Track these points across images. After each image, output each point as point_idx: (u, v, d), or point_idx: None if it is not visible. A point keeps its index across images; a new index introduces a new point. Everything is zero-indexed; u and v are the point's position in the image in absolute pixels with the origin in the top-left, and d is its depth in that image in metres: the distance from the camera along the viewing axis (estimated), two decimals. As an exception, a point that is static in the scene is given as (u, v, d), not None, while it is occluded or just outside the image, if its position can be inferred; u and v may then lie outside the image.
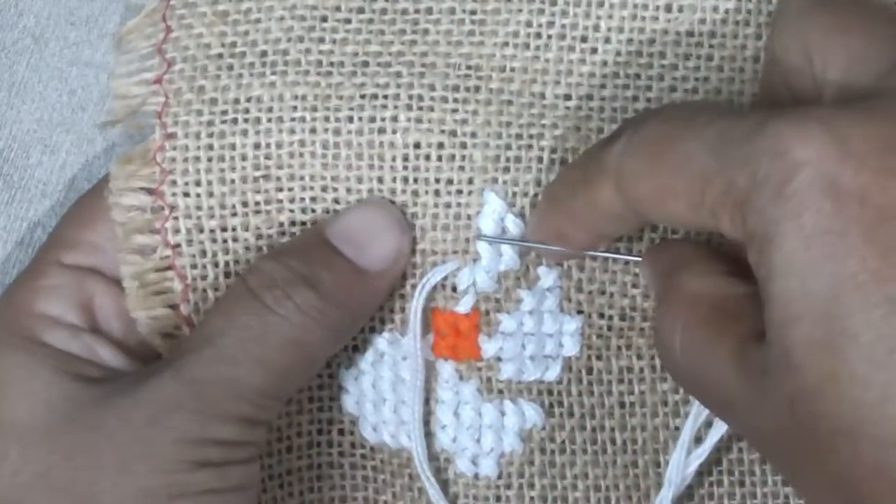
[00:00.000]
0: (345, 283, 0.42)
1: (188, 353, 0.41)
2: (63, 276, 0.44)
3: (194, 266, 0.44)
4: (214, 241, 0.44)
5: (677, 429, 0.44)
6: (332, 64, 0.44)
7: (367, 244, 0.43)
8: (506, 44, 0.44)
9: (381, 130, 0.44)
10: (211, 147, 0.44)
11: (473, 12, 0.44)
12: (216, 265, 0.44)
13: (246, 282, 0.41)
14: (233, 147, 0.44)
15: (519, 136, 0.43)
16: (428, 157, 0.44)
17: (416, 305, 0.43)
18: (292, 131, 0.44)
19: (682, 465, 0.43)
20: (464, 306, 0.44)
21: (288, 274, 0.41)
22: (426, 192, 0.44)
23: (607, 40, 0.43)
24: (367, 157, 0.44)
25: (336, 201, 0.44)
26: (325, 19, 0.44)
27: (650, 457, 0.45)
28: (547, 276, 0.44)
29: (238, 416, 0.40)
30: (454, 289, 0.44)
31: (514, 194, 0.43)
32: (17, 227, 0.50)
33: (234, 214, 0.44)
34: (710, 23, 0.43)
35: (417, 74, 0.44)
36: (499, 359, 0.44)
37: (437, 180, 0.44)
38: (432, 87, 0.44)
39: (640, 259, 0.43)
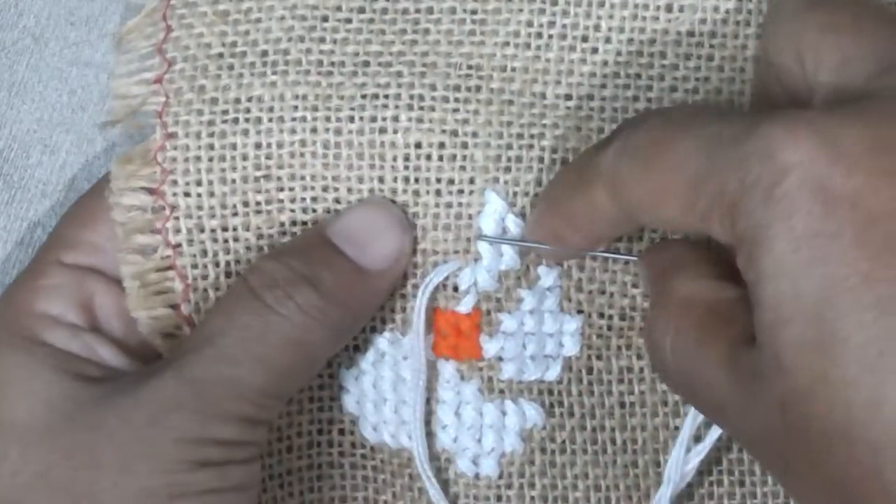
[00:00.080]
0: (346, 282, 0.42)
1: (189, 353, 0.41)
2: (63, 275, 0.44)
3: (195, 266, 0.44)
4: (215, 240, 0.44)
5: (677, 428, 0.44)
6: (332, 64, 0.44)
7: (369, 243, 0.43)
8: (507, 43, 0.44)
9: (383, 130, 0.44)
10: (212, 147, 0.44)
11: (474, 12, 0.44)
12: (217, 265, 0.44)
13: (247, 281, 0.41)
14: (234, 147, 0.44)
15: (520, 136, 0.44)
16: (429, 157, 0.44)
17: (419, 305, 0.43)
18: (293, 131, 0.44)
19: (681, 462, 0.43)
20: (465, 306, 0.44)
21: (289, 273, 0.41)
22: (427, 192, 0.44)
23: (608, 40, 0.44)
24: (368, 156, 0.44)
25: (337, 201, 0.44)
26: (325, 19, 0.44)
27: (650, 456, 0.45)
28: (547, 276, 0.44)
29: (239, 415, 0.40)
30: (455, 288, 0.44)
31: (515, 194, 0.43)
32: (17, 227, 0.50)
33: (235, 214, 0.44)
34: (711, 23, 0.43)
35: (418, 74, 0.44)
36: (500, 358, 0.44)
37: (439, 180, 0.44)
38: (433, 87, 0.44)
39: (638, 259, 0.43)
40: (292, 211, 0.44)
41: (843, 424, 0.33)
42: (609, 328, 0.44)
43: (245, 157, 0.44)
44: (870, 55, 0.36)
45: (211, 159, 0.44)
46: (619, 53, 0.43)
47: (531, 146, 0.43)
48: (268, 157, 0.44)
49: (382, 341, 0.45)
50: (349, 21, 0.44)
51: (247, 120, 0.44)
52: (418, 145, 0.44)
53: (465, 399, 0.44)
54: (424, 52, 0.44)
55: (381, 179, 0.44)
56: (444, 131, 0.44)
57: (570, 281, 0.44)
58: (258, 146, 0.44)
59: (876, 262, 0.32)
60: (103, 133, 0.49)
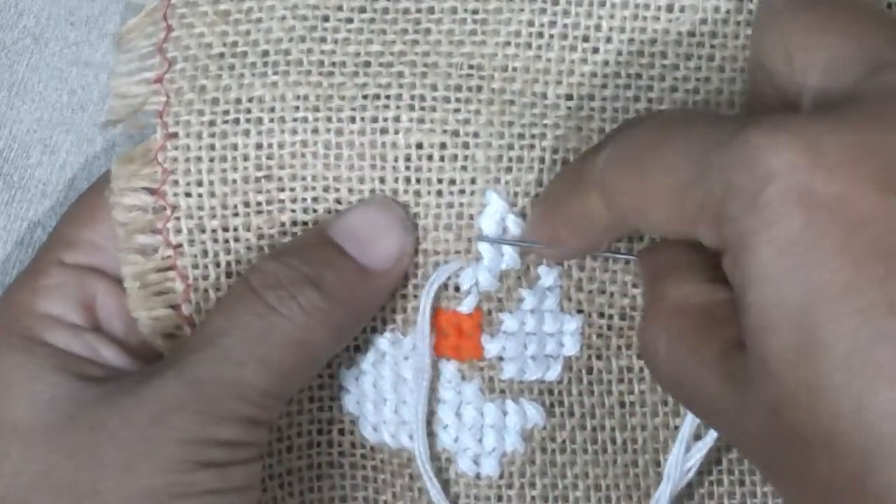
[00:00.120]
0: (348, 282, 0.42)
1: (191, 353, 0.40)
2: (64, 275, 0.44)
3: (196, 266, 0.44)
4: (216, 241, 0.44)
5: (677, 428, 0.44)
6: (334, 64, 0.44)
7: (371, 243, 0.43)
8: (508, 43, 0.44)
9: (384, 131, 0.44)
10: (213, 147, 0.44)
11: (475, 11, 0.44)
12: (218, 265, 0.44)
13: (248, 281, 0.41)
14: (234, 147, 0.44)
15: (521, 136, 0.44)
16: (430, 158, 0.44)
17: (424, 305, 0.43)
18: (294, 132, 0.44)
19: (681, 460, 0.43)
20: (467, 306, 0.44)
21: (291, 273, 0.41)
22: (428, 193, 0.44)
23: (609, 40, 0.44)
24: (370, 157, 0.44)
25: (338, 201, 0.44)
26: (326, 19, 0.44)
27: (650, 456, 0.45)
28: (547, 276, 0.44)
29: (241, 416, 0.40)
30: (457, 289, 0.44)
31: (516, 194, 0.44)
32: (17, 227, 0.49)
33: (236, 214, 0.44)
34: (712, 23, 0.43)
35: (419, 74, 0.44)
36: (501, 358, 0.44)
37: (440, 180, 0.44)
38: (434, 87, 0.44)
39: (636, 259, 0.43)
40: (293, 211, 0.44)
41: (828, 432, 0.33)
42: (609, 328, 0.44)
43: (246, 158, 0.44)
44: (858, 56, 0.36)
45: (212, 159, 0.44)
46: (619, 53, 0.43)
47: (532, 146, 0.44)
48: (269, 157, 0.44)
49: (383, 341, 0.45)
50: (350, 21, 0.44)
51: (248, 120, 0.44)
52: (419, 146, 0.44)
53: (466, 399, 0.44)
54: (426, 51, 0.44)
55: (382, 180, 0.44)
56: (445, 131, 0.44)
57: (571, 280, 0.44)
58: (259, 146, 0.44)
59: (858, 269, 0.32)
60: (103, 133, 0.49)
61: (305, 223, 0.44)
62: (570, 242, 0.42)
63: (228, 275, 0.44)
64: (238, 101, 0.44)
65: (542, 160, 0.44)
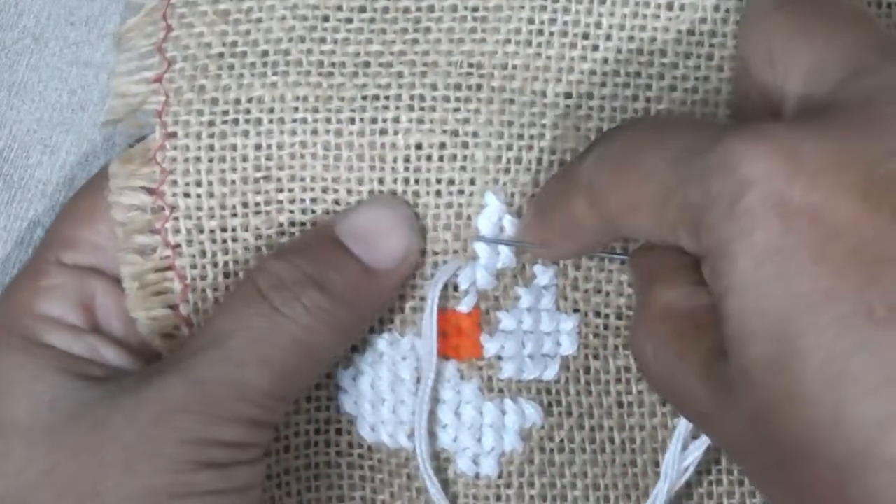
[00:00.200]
0: (353, 283, 0.42)
1: (195, 354, 0.40)
2: (63, 275, 0.44)
3: (194, 266, 0.44)
4: (214, 241, 0.44)
5: (675, 428, 0.44)
6: (333, 64, 0.44)
7: (377, 242, 0.42)
8: (508, 41, 0.44)
9: (383, 132, 0.44)
10: (212, 147, 0.44)
11: (475, 9, 0.44)
12: (215, 265, 0.44)
13: (255, 282, 0.41)
14: (234, 147, 0.44)
15: (520, 137, 0.44)
16: (429, 158, 0.44)
17: (431, 305, 0.43)
18: (294, 132, 0.44)
19: (677, 458, 0.43)
20: (466, 305, 0.44)
21: (297, 275, 0.41)
22: (427, 193, 0.44)
23: (608, 37, 0.44)
24: (369, 158, 0.44)
25: (337, 202, 0.44)
26: (326, 19, 0.44)
27: (648, 456, 0.45)
28: (543, 275, 0.44)
29: (244, 417, 0.40)
30: (455, 288, 0.44)
31: (513, 194, 0.44)
32: (17, 227, 0.49)
33: (235, 215, 0.44)
34: (711, 22, 0.43)
35: (419, 74, 0.44)
36: (499, 357, 0.44)
37: (439, 180, 0.44)
38: (434, 87, 0.44)
39: (628, 261, 0.43)
40: (291, 212, 0.44)
41: (807, 441, 0.33)
42: (605, 327, 0.44)
43: (245, 158, 0.44)
44: (840, 60, 0.36)
45: (211, 160, 0.44)
46: (619, 51, 0.44)
47: (531, 147, 0.44)
48: (268, 158, 0.44)
49: (381, 342, 0.45)
50: (350, 21, 0.44)
51: (247, 121, 0.44)
52: (419, 146, 0.44)
53: (465, 398, 0.44)
54: (426, 50, 0.44)
55: (381, 181, 0.44)
56: (444, 131, 0.44)
57: (566, 280, 0.44)
58: (258, 147, 0.44)
59: (837, 277, 0.32)
60: (103, 133, 0.49)
61: (304, 224, 0.44)
62: (560, 247, 0.42)
63: (226, 275, 0.44)
64: (237, 101, 0.44)
65: (539, 161, 0.44)
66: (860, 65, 0.35)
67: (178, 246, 0.44)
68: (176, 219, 0.44)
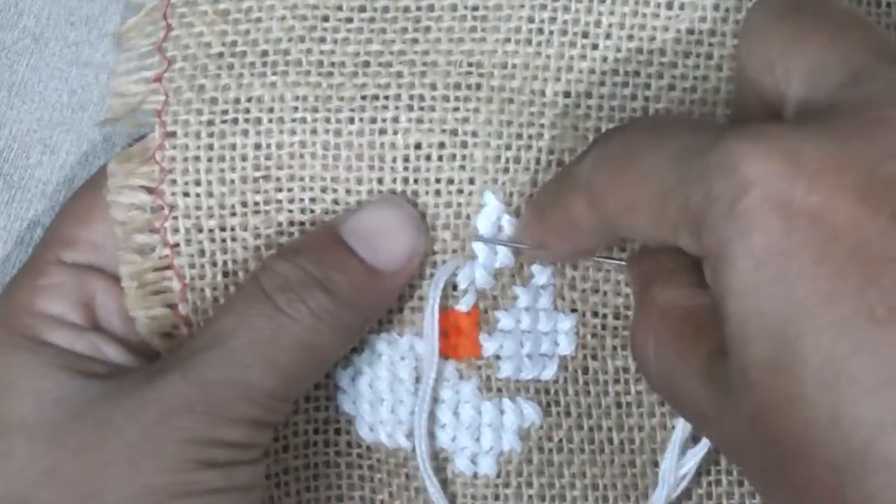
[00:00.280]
0: (358, 284, 0.42)
1: (198, 353, 0.40)
2: (63, 274, 0.44)
3: (192, 266, 0.44)
4: (213, 240, 0.44)
5: (674, 428, 0.44)
6: (333, 64, 0.44)
7: (381, 243, 0.42)
8: (508, 40, 0.44)
9: (382, 131, 0.44)
10: (211, 147, 0.44)
11: (475, 8, 0.44)
12: (214, 265, 0.44)
13: (260, 283, 0.41)
14: (233, 147, 0.44)
15: (519, 136, 0.44)
16: (429, 158, 0.44)
17: (432, 305, 0.43)
18: (293, 132, 0.44)
19: (675, 464, 0.43)
20: (465, 304, 0.44)
21: (302, 276, 0.41)
22: (426, 193, 0.44)
23: (608, 36, 0.44)
24: (368, 157, 0.44)
25: (336, 202, 0.44)
26: (326, 18, 0.44)
27: (647, 456, 0.45)
28: (540, 274, 0.44)
29: (247, 418, 0.40)
30: (454, 287, 0.44)
31: (512, 194, 0.44)
32: (17, 227, 0.49)
33: (234, 214, 0.44)
34: (711, 21, 0.43)
35: (419, 74, 0.44)
36: (498, 357, 0.44)
37: (438, 180, 0.44)
38: (433, 87, 0.44)
39: (625, 264, 0.43)
40: (290, 212, 0.44)
41: (805, 442, 0.33)
42: (603, 327, 0.44)
43: (244, 158, 0.44)
44: (839, 64, 0.36)
45: (210, 159, 0.44)
46: (618, 50, 0.44)
47: (529, 147, 0.44)
48: (267, 157, 0.44)
49: (379, 342, 0.45)
50: (350, 20, 0.44)
51: (246, 120, 0.44)
52: (418, 146, 0.44)
53: (463, 398, 0.44)
54: (425, 50, 0.44)
55: (380, 180, 0.44)
56: (443, 131, 0.44)
57: (564, 279, 0.44)
58: (257, 147, 0.44)
59: (837, 279, 0.32)
60: (103, 132, 0.49)
61: (303, 223, 0.44)
62: (558, 248, 0.42)
63: (225, 274, 0.44)
64: (237, 100, 0.44)
65: (538, 161, 0.44)
66: (859, 68, 0.35)
67: (176, 245, 0.44)
68: (175, 218, 0.44)
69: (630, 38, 0.44)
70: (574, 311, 0.44)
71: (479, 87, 0.44)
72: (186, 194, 0.44)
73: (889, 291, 0.32)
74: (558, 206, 0.40)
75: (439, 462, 0.45)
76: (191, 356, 0.41)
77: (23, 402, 0.41)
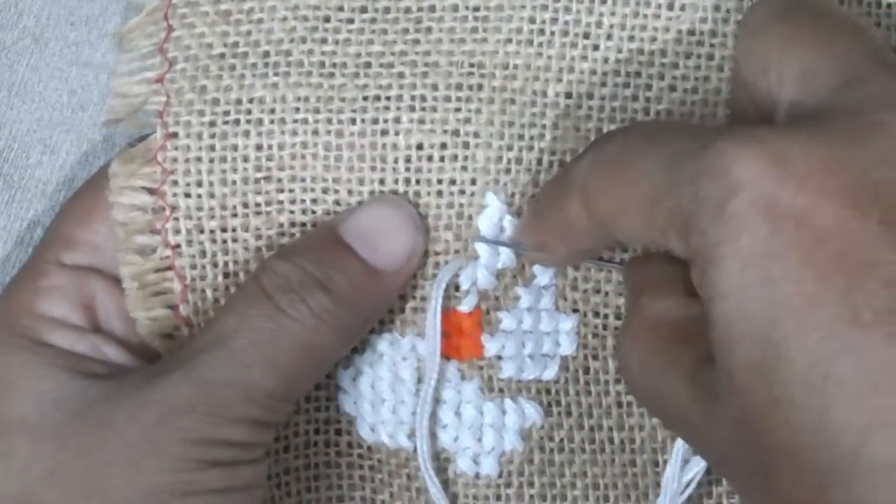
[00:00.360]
0: (358, 284, 0.42)
1: (199, 353, 0.40)
2: (63, 276, 0.44)
3: (193, 266, 0.44)
4: (214, 241, 0.44)
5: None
6: (334, 65, 0.44)
7: (381, 242, 0.42)
8: (509, 40, 0.44)
9: (384, 132, 0.44)
10: (213, 148, 0.44)
11: (477, 9, 0.44)
12: (215, 266, 0.44)
13: (260, 283, 0.41)
14: (234, 148, 0.44)
15: (521, 137, 0.44)
16: (430, 158, 0.44)
17: (435, 306, 0.43)
18: (294, 133, 0.44)
19: (677, 474, 0.43)
20: (467, 305, 0.44)
21: (302, 276, 0.41)
22: (428, 193, 0.44)
23: (609, 37, 0.44)
24: (370, 158, 0.44)
25: (337, 203, 0.44)
26: (327, 19, 0.44)
27: (648, 456, 0.45)
28: (542, 275, 0.44)
29: (248, 418, 0.40)
30: (456, 288, 0.44)
31: (513, 195, 0.44)
32: (17, 227, 0.49)
33: (235, 215, 0.44)
34: (712, 21, 0.43)
35: (420, 74, 0.44)
36: (500, 357, 0.44)
37: (440, 181, 0.44)
38: (435, 87, 0.44)
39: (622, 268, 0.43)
40: (292, 213, 0.44)
41: (790, 446, 0.33)
42: (605, 328, 0.45)
43: (246, 159, 0.44)
44: (832, 69, 0.36)
45: (212, 160, 0.44)
46: (619, 51, 0.44)
47: (531, 147, 0.44)
48: (269, 158, 0.44)
49: (381, 342, 0.45)
50: (351, 21, 0.44)
51: (248, 121, 0.44)
52: (420, 146, 0.44)
53: (466, 398, 0.44)
54: (427, 50, 0.44)
55: (382, 181, 0.44)
56: (445, 131, 0.44)
57: (566, 280, 0.44)
58: (259, 148, 0.44)
59: (821, 283, 0.32)
60: (103, 133, 0.49)
61: (304, 224, 0.44)
62: (557, 250, 0.42)
63: (226, 275, 0.44)
64: (238, 101, 0.44)
65: (539, 161, 0.44)
66: (852, 74, 0.35)
67: (178, 246, 0.44)
68: (176, 219, 0.44)
69: (631, 38, 0.44)
70: (576, 311, 0.44)
71: (480, 87, 0.44)
72: (188, 195, 0.44)
73: (875, 295, 0.32)
74: (555, 206, 0.40)
75: (441, 462, 0.45)
76: (192, 357, 0.41)
77: (24, 403, 0.41)
